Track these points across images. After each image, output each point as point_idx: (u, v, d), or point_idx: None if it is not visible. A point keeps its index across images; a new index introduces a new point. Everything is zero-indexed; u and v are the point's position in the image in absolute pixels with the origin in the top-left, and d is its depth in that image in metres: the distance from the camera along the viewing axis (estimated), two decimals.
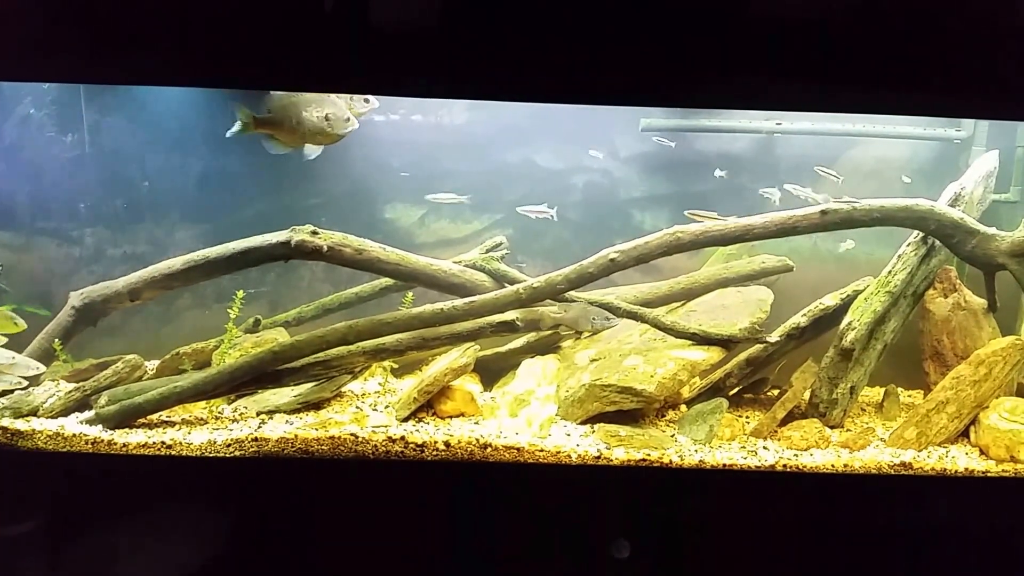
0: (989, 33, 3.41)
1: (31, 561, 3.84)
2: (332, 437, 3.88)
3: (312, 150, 4.14)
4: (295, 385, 4.40)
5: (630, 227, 5.21)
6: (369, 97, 4.27)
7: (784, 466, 3.88)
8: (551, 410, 4.28)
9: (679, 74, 3.51)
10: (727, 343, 4.39)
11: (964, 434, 4.16)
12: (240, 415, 4.28)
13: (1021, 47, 3.40)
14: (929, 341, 4.66)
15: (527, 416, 4.20)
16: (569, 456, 3.87)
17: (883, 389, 4.71)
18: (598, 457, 3.86)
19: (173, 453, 3.87)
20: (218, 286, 4.96)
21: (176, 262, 4.49)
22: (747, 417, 4.52)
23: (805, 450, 4.04)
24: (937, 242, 4.50)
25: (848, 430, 4.37)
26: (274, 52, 3.43)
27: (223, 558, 3.87)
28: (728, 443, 4.10)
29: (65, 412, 4.22)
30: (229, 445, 3.88)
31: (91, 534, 3.84)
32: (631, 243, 4.42)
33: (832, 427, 4.38)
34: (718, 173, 5.06)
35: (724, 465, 3.85)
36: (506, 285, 4.71)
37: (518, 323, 4.49)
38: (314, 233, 4.40)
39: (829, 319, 4.57)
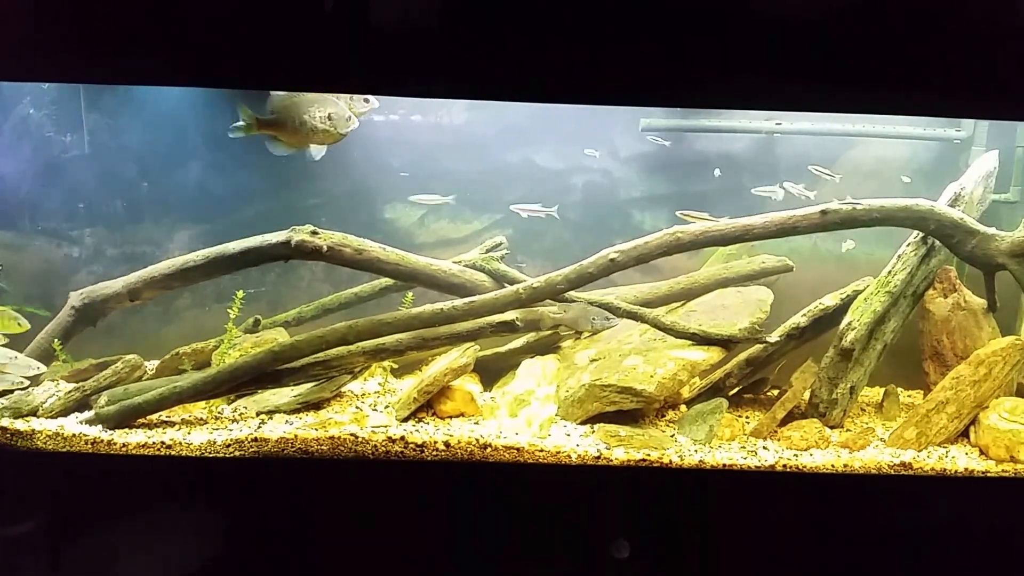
0: (989, 33, 3.41)
1: (31, 561, 3.84)
2: (332, 437, 3.88)
3: (317, 151, 4.14)
4: (295, 385, 4.40)
5: (630, 227, 5.21)
6: (369, 97, 4.27)
7: (784, 466, 3.88)
8: (551, 410, 4.28)
9: (679, 74, 3.51)
10: (727, 343, 4.39)
11: (964, 434, 4.16)
12: (240, 415, 4.28)
13: (1021, 47, 3.40)
14: (929, 341, 4.66)
15: (527, 416, 4.20)
16: (569, 456, 3.87)
17: (883, 389, 4.71)
18: (598, 457, 3.86)
19: (173, 453, 3.87)
20: (218, 286, 4.96)
21: (176, 262, 4.49)
22: (747, 417, 4.52)
23: (805, 450, 4.04)
24: (937, 242, 4.50)
25: (848, 430, 4.37)
26: (274, 52, 3.43)
27: (223, 558, 3.87)
28: (728, 443, 4.10)
29: (65, 412, 4.22)
30: (229, 445, 3.88)
31: (91, 534, 3.84)
32: (631, 243, 4.42)
33: (832, 427, 4.38)
34: (717, 173, 5.07)
35: (724, 465, 3.85)
36: (506, 285, 4.71)
37: (518, 323, 4.49)
38: (314, 233, 4.40)
39: (829, 319, 4.57)
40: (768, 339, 4.42)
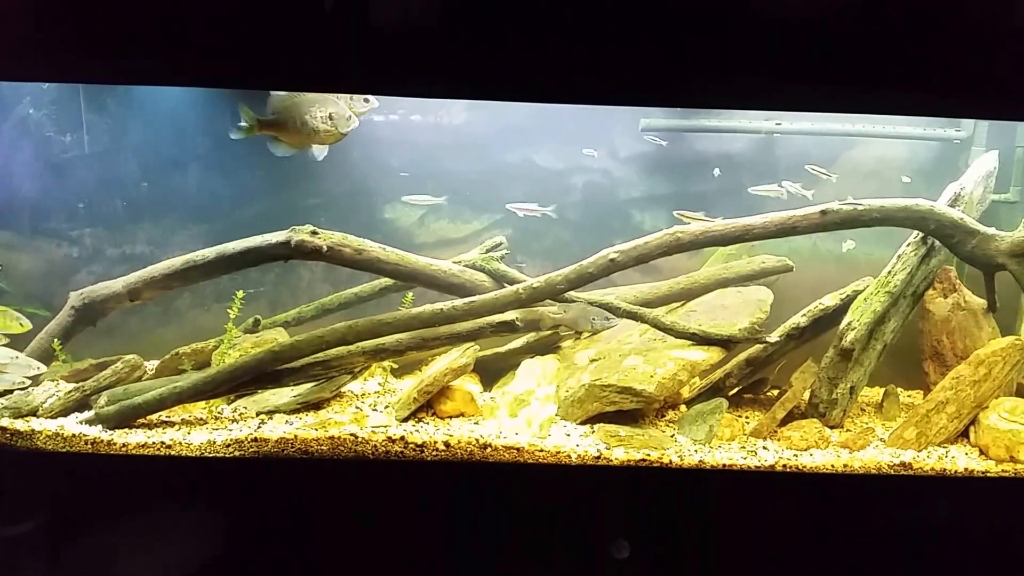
0: (989, 33, 3.41)
1: (31, 561, 3.84)
2: (332, 437, 3.88)
3: (319, 151, 4.14)
4: (295, 385, 4.40)
5: (630, 227, 5.21)
6: (369, 97, 4.27)
7: (784, 466, 3.88)
8: (551, 410, 4.28)
9: (679, 74, 3.51)
10: (727, 343, 4.39)
11: (964, 434, 4.16)
12: (240, 415, 4.28)
13: (1021, 47, 3.40)
14: (929, 341, 4.66)
15: (527, 416, 4.20)
16: (569, 456, 3.87)
17: (883, 389, 4.71)
18: (598, 457, 3.86)
19: (173, 453, 3.87)
20: (218, 286, 4.96)
21: (176, 262, 4.49)
22: (747, 417, 4.52)
23: (805, 450, 4.04)
24: (937, 242, 4.50)
25: (848, 430, 4.37)
26: (274, 52, 3.43)
27: (223, 558, 3.87)
28: (728, 443, 4.10)
29: (64, 412, 4.22)
30: (229, 445, 3.88)
31: (91, 534, 3.83)
32: (631, 243, 4.42)
33: (832, 427, 4.38)
34: (717, 172, 5.07)
35: (724, 465, 3.85)
36: (506, 285, 4.71)
37: (518, 323, 4.49)
38: (314, 233, 4.40)
39: (829, 319, 4.57)
40: (768, 339, 4.42)
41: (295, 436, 3.89)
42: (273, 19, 3.37)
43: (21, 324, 4.55)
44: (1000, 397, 4.12)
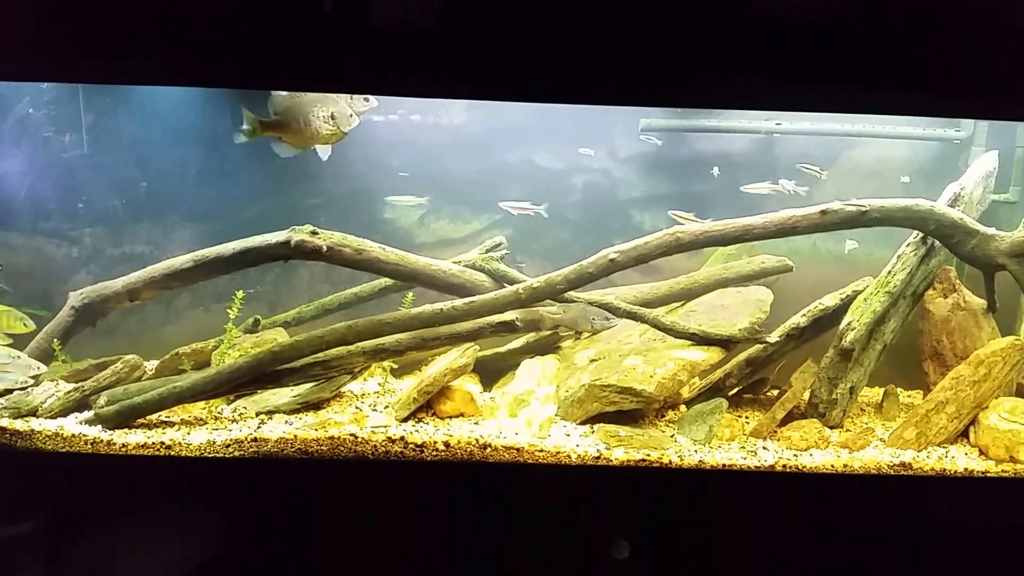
0: (989, 33, 3.41)
1: (31, 561, 3.84)
2: (331, 437, 3.88)
3: (324, 150, 4.15)
4: (294, 385, 4.40)
5: (629, 227, 5.21)
6: (368, 96, 4.27)
7: (784, 466, 3.88)
8: (551, 410, 4.28)
9: (679, 74, 3.51)
10: (727, 343, 4.39)
11: (964, 434, 4.16)
12: (239, 415, 4.28)
13: (1021, 47, 3.40)
14: (929, 341, 4.66)
15: (527, 416, 4.20)
16: (569, 456, 3.87)
17: (883, 389, 4.72)
18: (598, 457, 3.86)
19: (172, 453, 3.87)
20: (217, 286, 4.95)
21: (175, 262, 4.49)
22: (747, 417, 4.52)
23: (805, 450, 4.04)
24: (937, 242, 4.50)
25: (848, 430, 4.37)
26: (274, 52, 3.43)
27: (223, 558, 3.87)
28: (728, 443, 4.10)
29: (64, 412, 4.22)
30: (228, 445, 3.88)
31: (90, 534, 3.83)
32: (631, 243, 4.41)
33: (832, 427, 4.38)
34: (715, 171, 5.07)
35: (724, 465, 3.85)
36: (505, 285, 4.71)
37: (518, 323, 4.49)
38: (313, 233, 4.40)
39: (829, 319, 4.57)
40: (768, 339, 4.42)
41: (295, 436, 3.89)
42: (273, 19, 3.37)
43: (25, 325, 4.55)
44: (1000, 397, 4.12)
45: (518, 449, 3.88)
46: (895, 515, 3.85)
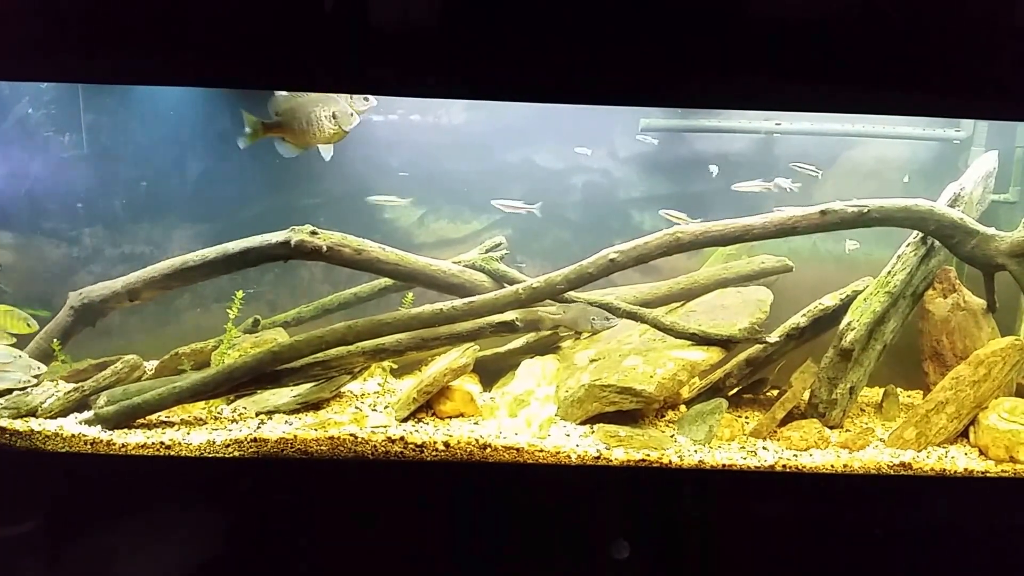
0: (989, 33, 3.41)
1: (30, 561, 3.84)
2: (331, 437, 3.88)
3: (326, 150, 4.15)
4: (294, 385, 4.40)
5: (629, 227, 5.21)
6: (368, 96, 4.27)
7: (783, 466, 3.88)
8: (550, 410, 4.28)
9: (679, 74, 3.51)
10: (727, 343, 4.39)
11: (963, 434, 4.16)
12: (239, 415, 4.28)
13: (1021, 47, 3.40)
14: (928, 341, 4.66)
15: (526, 416, 4.20)
16: (568, 456, 3.87)
17: (882, 389, 4.72)
18: (597, 457, 3.86)
19: (172, 453, 3.87)
20: (217, 286, 4.95)
21: (175, 262, 4.49)
22: (746, 417, 4.52)
23: (804, 450, 4.04)
24: (936, 242, 4.50)
25: (847, 430, 4.36)
26: (274, 52, 3.43)
27: (223, 558, 3.87)
28: (727, 443, 4.10)
29: (64, 412, 4.21)
30: (228, 445, 3.88)
31: (90, 534, 3.83)
32: (630, 243, 4.41)
33: (831, 427, 4.38)
34: (713, 170, 5.06)
35: (723, 465, 3.85)
36: (505, 285, 4.71)
37: (517, 323, 4.49)
38: (313, 233, 4.39)
39: (828, 319, 4.57)
40: (768, 339, 4.42)
41: (295, 436, 3.89)
42: (273, 19, 3.36)
43: (28, 325, 4.55)
44: (1000, 397, 4.12)
45: (518, 449, 3.88)
46: (895, 515, 3.85)
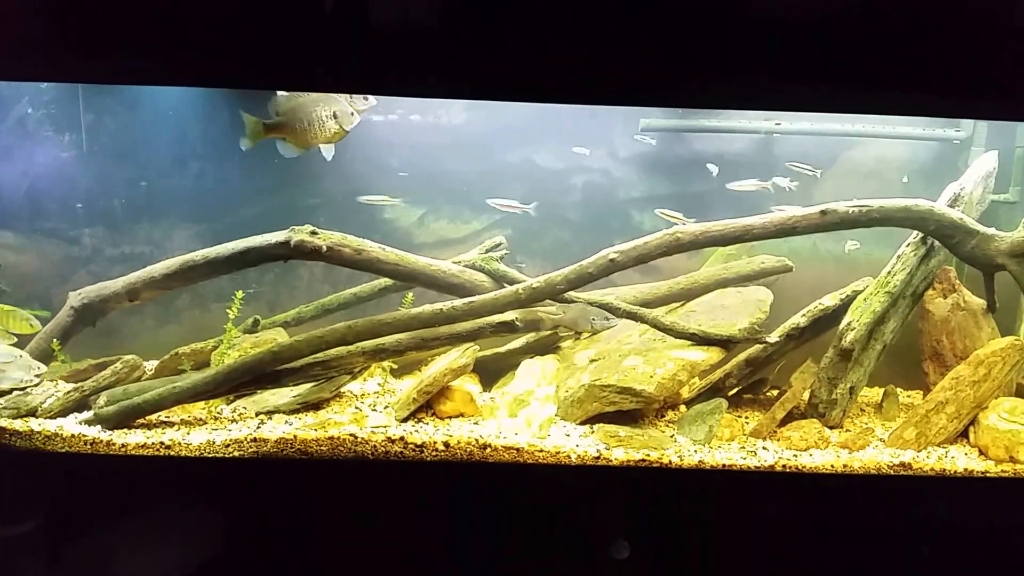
0: (989, 33, 3.41)
1: (30, 562, 3.84)
2: (331, 438, 3.88)
3: (327, 150, 4.15)
4: (294, 385, 4.40)
5: (629, 227, 5.21)
6: (368, 96, 4.27)
7: (783, 466, 3.88)
8: (550, 410, 4.28)
9: (679, 74, 3.51)
10: (726, 343, 4.39)
11: (963, 434, 4.16)
12: (239, 415, 4.27)
13: (1021, 47, 3.40)
14: (928, 341, 4.66)
15: (526, 416, 4.20)
16: (568, 456, 3.87)
17: (882, 389, 4.72)
18: (597, 457, 3.86)
19: (172, 453, 3.87)
20: (217, 286, 4.95)
21: (175, 262, 4.48)
22: (746, 417, 4.52)
23: (804, 450, 4.04)
24: (936, 242, 4.50)
25: (847, 430, 4.36)
26: (274, 52, 3.43)
27: (222, 558, 3.87)
28: (727, 443, 4.10)
29: (64, 413, 4.21)
30: (228, 445, 3.88)
31: (90, 535, 3.83)
32: (630, 243, 4.41)
33: (831, 427, 4.38)
34: (711, 168, 5.06)
35: (723, 465, 3.85)
36: (505, 285, 4.70)
37: (517, 323, 4.49)
38: (313, 233, 4.39)
39: (828, 319, 4.57)
40: (768, 339, 4.42)
41: (294, 436, 3.89)
42: (273, 19, 3.36)
43: (31, 325, 4.55)
44: (1000, 397, 4.12)
45: (518, 449, 3.88)
46: (895, 515, 3.85)
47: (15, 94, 4.85)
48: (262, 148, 4.12)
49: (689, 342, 4.41)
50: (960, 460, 3.93)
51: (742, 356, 4.60)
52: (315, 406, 4.39)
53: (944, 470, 3.87)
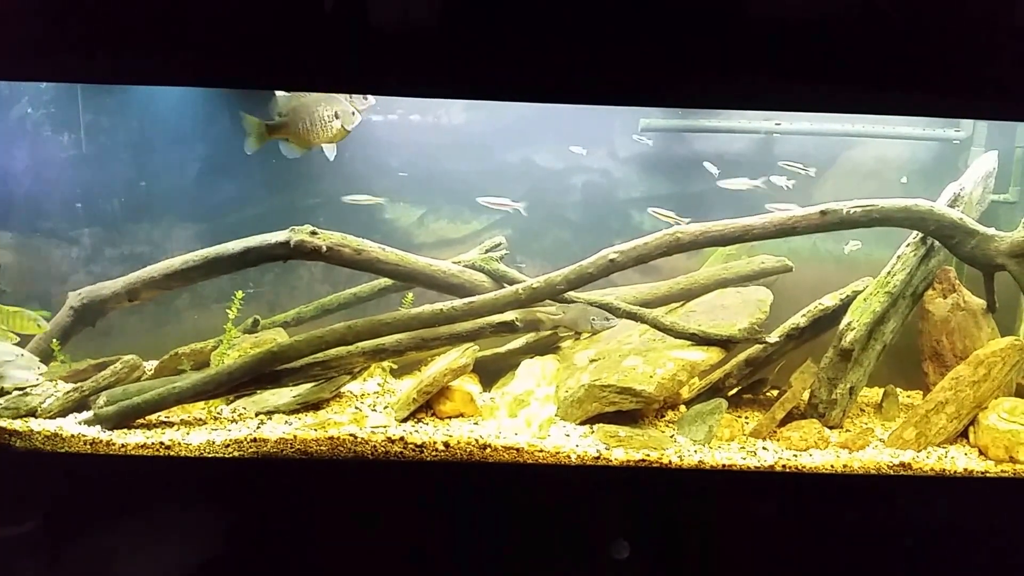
0: (989, 33, 3.41)
1: (30, 562, 3.84)
2: (331, 438, 3.88)
3: (330, 150, 4.14)
4: (294, 386, 4.40)
5: (629, 227, 5.21)
6: (367, 95, 4.27)
7: (783, 466, 3.88)
8: (550, 411, 4.28)
9: (679, 74, 3.51)
10: (726, 344, 4.39)
11: (963, 435, 4.16)
12: (239, 416, 4.27)
13: (1021, 47, 3.40)
14: (928, 342, 4.66)
15: (526, 417, 4.20)
16: (568, 457, 3.87)
17: (882, 389, 4.72)
18: (597, 458, 3.86)
19: (172, 454, 3.87)
20: (217, 286, 4.95)
21: (175, 262, 4.48)
22: (746, 418, 4.52)
23: (804, 450, 4.04)
24: (936, 242, 4.50)
25: (847, 430, 4.36)
26: (274, 52, 3.43)
27: (222, 559, 3.86)
28: (727, 443, 4.10)
29: (63, 413, 4.21)
30: (228, 446, 3.88)
31: (90, 535, 3.83)
32: (630, 243, 4.41)
33: (831, 427, 4.38)
34: (710, 168, 5.06)
35: (723, 466, 3.85)
36: (505, 285, 4.70)
37: (517, 323, 4.49)
38: (313, 233, 4.39)
39: (828, 319, 4.57)
40: (767, 339, 4.42)
41: (294, 436, 3.89)
42: (273, 19, 3.36)
43: (39, 325, 4.53)
44: (999, 397, 4.12)
45: (518, 449, 3.88)
46: (895, 515, 3.85)
47: (15, 94, 4.84)
48: (261, 148, 4.12)
49: (689, 342, 4.41)
50: (960, 460, 3.93)
51: (742, 356, 4.60)
52: (315, 406, 4.39)
53: (944, 470, 3.88)
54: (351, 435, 3.89)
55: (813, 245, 5.21)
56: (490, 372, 4.91)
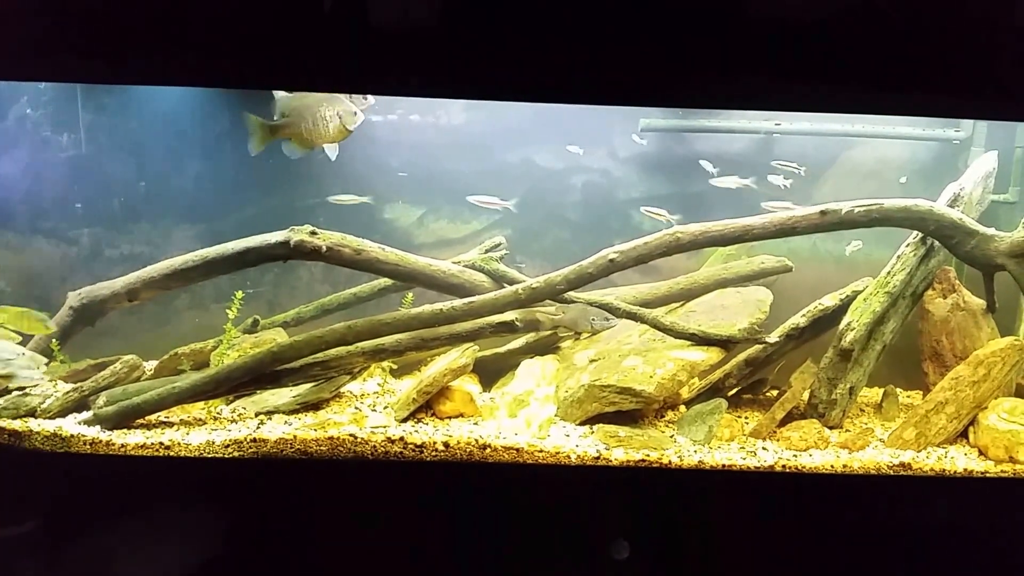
0: (989, 33, 3.41)
1: (29, 562, 3.83)
2: (331, 438, 3.88)
3: (332, 149, 4.14)
4: (294, 386, 4.39)
5: (629, 227, 5.21)
6: (367, 95, 4.27)
7: (783, 467, 3.88)
8: (550, 411, 4.28)
9: (679, 74, 3.51)
10: (726, 344, 4.39)
11: (963, 435, 4.16)
12: (239, 416, 4.27)
13: (1021, 47, 3.40)
14: (928, 342, 4.66)
15: (526, 417, 4.19)
16: (568, 457, 3.87)
17: (882, 390, 4.72)
18: (597, 458, 3.86)
19: (171, 454, 3.87)
20: (217, 286, 4.95)
21: (174, 262, 4.48)
22: (746, 418, 4.52)
23: (804, 451, 4.04)
24: (936, 243, 4.50)
25: (847, 431, 4.36)
26: (274, 52, 3.42)
27: (222, 559, 3.86)
28: (727, 444, 4.10)
29: (63, 413, 4.21)
30: (228, 446, 3.87)
31: (89, 535, 3.83)
32: (630, 243, 4.41)
33: (831, 428, 4.38)
34: (707, 167, 5.06)
35: (723, 466, 3.85)
36: (505, 286, 4.70)
37: (517, 324, 4.49)
38: (313, 233, 4.39)
39: (828, 320, 4.57)
40: (767, 339, 4.42)
41: (294, 436, 3.89)
42: (273, 19, 3.36)
43: (47, 326, 4.53)
44: (999, 398, 4.12)
45: (518, 449, 3.88)
46: (895, 515, 3.85)
47: (14, 94, 4.84)
48: (263, 150, 4.12)
49: (689, 342, 4.40)
50: (960, 460, 3.93)
51: (742, 356, 4.60)
52: (315, 406, 4.39)
53: (944, 470, 3.88)
54: (351, 435, 3.89)
55: (813, 245, 5.21)
56: (490, 372, 4.91)
